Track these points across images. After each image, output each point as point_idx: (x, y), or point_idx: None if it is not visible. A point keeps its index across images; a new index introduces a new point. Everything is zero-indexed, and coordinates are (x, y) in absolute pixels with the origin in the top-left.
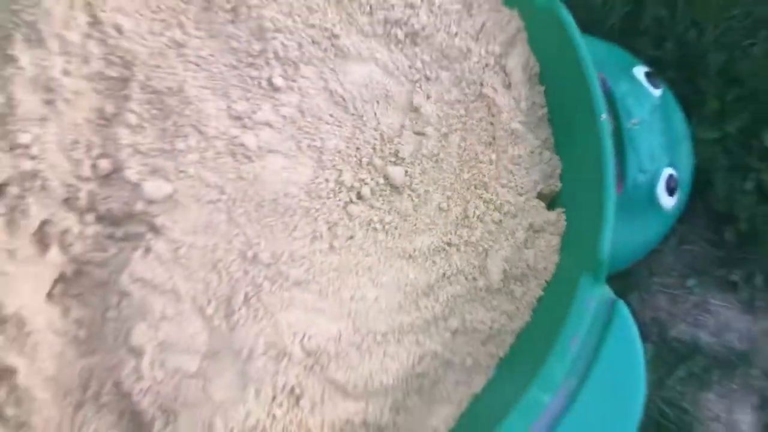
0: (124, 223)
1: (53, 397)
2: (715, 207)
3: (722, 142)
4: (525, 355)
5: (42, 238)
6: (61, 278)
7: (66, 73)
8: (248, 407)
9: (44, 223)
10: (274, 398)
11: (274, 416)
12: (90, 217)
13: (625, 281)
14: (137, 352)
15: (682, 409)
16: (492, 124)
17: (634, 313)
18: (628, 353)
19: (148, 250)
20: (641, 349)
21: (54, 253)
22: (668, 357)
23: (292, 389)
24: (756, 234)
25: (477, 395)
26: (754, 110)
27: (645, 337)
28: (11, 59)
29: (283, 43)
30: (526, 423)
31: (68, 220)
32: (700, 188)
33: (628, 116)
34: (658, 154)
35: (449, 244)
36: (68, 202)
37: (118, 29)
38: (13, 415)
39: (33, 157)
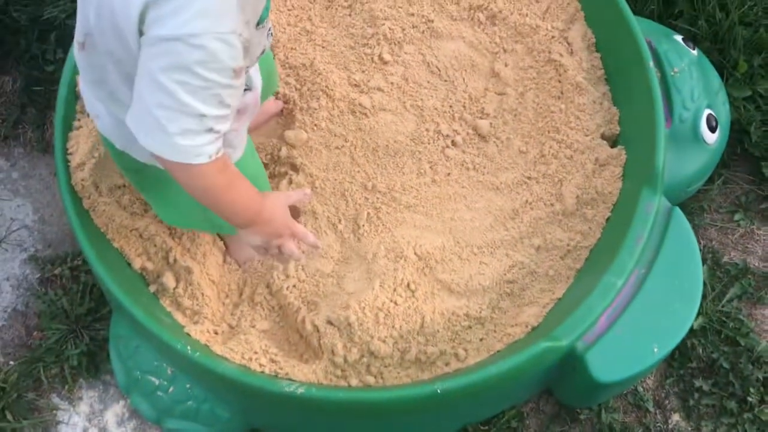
0: (270, 166)
1: (217, 296)
2: (752, 152)
3: (754, 100)
4: (598, 265)
5: None
6: None
7: None
8: (376, 293)
9: None
10: (395, 290)
11: (395, 302)
12: None
13: None
14: (285, 259)
15: (740, 321)
16: (560, 81)
17: None
18: (686, 246)
19: (291, 181)
20: (696, 243)
21: None
22: (723, 277)
23: (408, 284)
24: None
25: (559, 299)
26: None
27: (701, 261)
28: None
29: (390, 28)
30: (603, 303)
31: None
32: (738, 138)
33: (670, 67)
34: (698, 96)
35: (529, 178)
36: None
37: None
38: (188, 306)
39: None
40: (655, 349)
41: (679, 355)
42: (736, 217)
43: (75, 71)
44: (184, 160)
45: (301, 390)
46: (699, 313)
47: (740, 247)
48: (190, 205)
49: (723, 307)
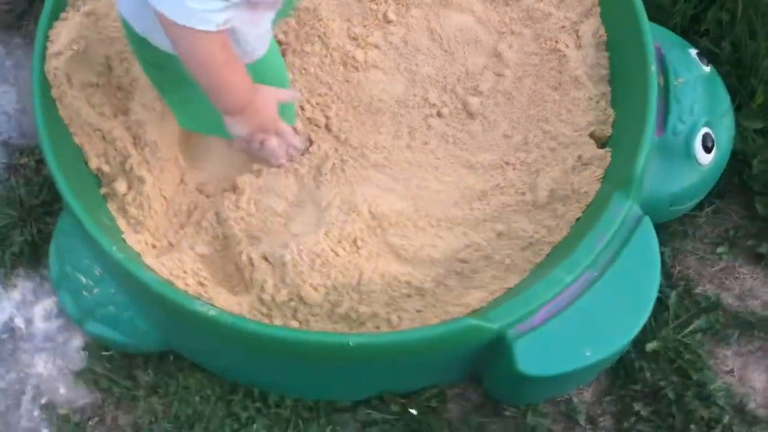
0: None
1: (164, 213)
2: (750, 185)
3: (764, 133)
4: (554, 260)
5: None
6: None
7: None
8: (318, 239)
9: None
10: (339, 242)
11: (336, 253)
12: None
13: (660, 236)
14: (239, 191)
15: (698, 355)
16: (560, 72)
17: (664, 263)
18: (646, 259)
19: None
20: (658, 257)
21: None
22: (691, 307)
23: (355, 240)
24: None
25: (510, 289)
26: None
27: (671, 286)
28: None
29: None
30: (547, 294)
31: None
32: (738, 168)
33: (675, 76)
34: (698, 111)
35: (507, 163)
36: None
37: None
38: (134, 214)
39: None
40: (588, 353)
41: (624, 375)
42: (720, 249)
43: None
44: (191, 23)
45: (212, 312)
46: (654, 337)
47: (717, 281)
48: (211, 106)
49: (684, 337)
